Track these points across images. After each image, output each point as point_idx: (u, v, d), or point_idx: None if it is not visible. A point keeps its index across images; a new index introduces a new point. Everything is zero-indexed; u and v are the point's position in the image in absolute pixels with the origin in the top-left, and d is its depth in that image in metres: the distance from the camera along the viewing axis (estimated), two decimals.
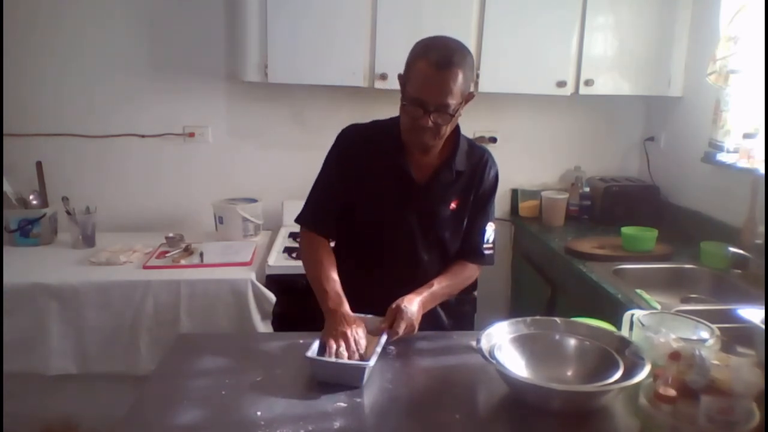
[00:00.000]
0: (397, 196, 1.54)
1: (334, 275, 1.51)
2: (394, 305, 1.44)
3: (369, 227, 1.58)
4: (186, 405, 1.19)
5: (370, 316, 1.47)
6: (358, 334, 1.37)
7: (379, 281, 1.54)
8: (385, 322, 1.43)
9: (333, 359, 1.30)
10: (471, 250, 1.63)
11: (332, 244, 1.66)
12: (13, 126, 2.64)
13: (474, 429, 1.19)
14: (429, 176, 1.55)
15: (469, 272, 1.64)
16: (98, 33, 2.66)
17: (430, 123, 1.41)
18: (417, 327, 1.45)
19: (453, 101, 1.39)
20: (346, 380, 1.27)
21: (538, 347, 1.33)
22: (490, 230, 1.65)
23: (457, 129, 1.54)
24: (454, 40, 1.44)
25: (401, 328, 1.40)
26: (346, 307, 1.44)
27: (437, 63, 1.36)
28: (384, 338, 1.38)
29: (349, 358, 1.32)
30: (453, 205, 1.57)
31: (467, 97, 1.44)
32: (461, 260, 1.63)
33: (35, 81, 2.66)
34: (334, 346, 1.33)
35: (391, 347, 1.42)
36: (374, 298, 1.45)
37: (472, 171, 1.58)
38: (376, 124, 1.60)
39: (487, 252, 1.65)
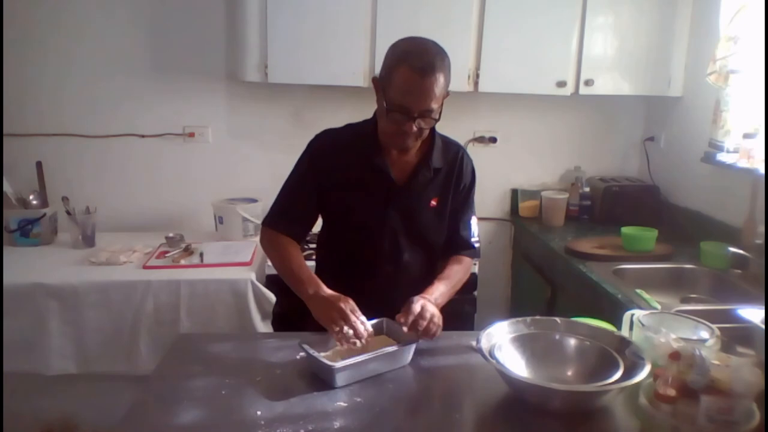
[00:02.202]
0: (378, 197, 1.54)
1: (304, 263, 1.51)
2: (418, 308, 1.39)
3: (352, 230, 1.58)
4: (186, 405, 1.19)
5: (385, 319, 1.45)
6: (349, 303, 1.37)
7: (365, 283, 1.54)
8: (410, 328, 1.38)
9: (312, 352, 1.29)
10: (462, 243, 1.66)
11: (314, 250, 1.66)
12: (13, 126, 2.64)
13: (474, 429, 1.19)
14: (408, 175, 1.55)
15: (468, 265, 1.67)
16: (98, 33, 2.66)
17: (414, 128, 1.42)
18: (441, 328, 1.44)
19: (436, 105, 1.41)
20: (324, 378, 1.27)
21: (538, 347, 1.33)
22: (474, 223, 1.69)
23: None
24: (431, 41, 1.44)
25: (434, 333, 1.39)
26: (325, 288, 1.43)
27: (421, 70, 1.36)
28: (395, 348, 1.35)
29: (357, 334, 1.32)
30: (433, 203, 1.58)
31: (445, 97, 1.45)
32: (455, 255, 1.64)
33: (35, 81, 2.66)
34: (336, 329, 1.32)
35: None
36: (361, 299, 1.43)
37: (449, 167, 1.60)
38: (349, 128, 1.60)
39: (476, 244, 1.69)
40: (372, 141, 1.53)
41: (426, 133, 1.48)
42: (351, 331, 1.32)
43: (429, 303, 1.43)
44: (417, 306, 1.39)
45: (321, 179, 1.55)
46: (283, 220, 1.57)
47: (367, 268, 1.58)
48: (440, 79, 1.38)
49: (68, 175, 2.72)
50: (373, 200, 1.54)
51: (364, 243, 1.57)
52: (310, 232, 1.70)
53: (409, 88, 1.37)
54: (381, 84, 1.45)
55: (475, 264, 2.40)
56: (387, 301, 1.45)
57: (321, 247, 1.70)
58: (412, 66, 1.36)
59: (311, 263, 1.67)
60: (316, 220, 1.62)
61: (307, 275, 1.47)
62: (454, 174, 1.60)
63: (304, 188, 1.57)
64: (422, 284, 1.54)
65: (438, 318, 1.42)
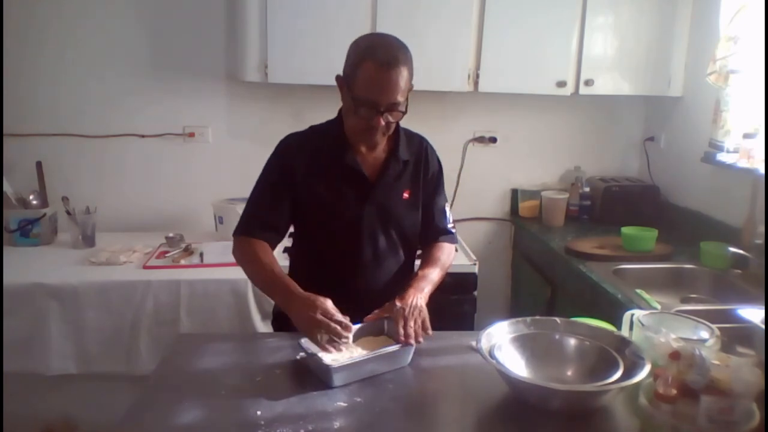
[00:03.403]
0: (353, 196, 1.54)
1: (279, 269, 1.46)
2: (401, 314, 1.38)
3: (330, 232, 1.57)
4: (186, 405, 1.19)
5: (386, 319, 1.43)
6: (326, 306, 1.32)
7: (346, 282, 1.53)
8: (396, 326, 1.37)
9: (311, 352, 1.29)
10: (440, 230, 1.66)
11: (288, 257, 1.64)
12: (13, 126, 2.64)
13: (474, 429, 1.19)
14: (378, 171, 1.56)
15: (448, 250, 1.65)
16: (99, 33, 2.66)
17: (383, 122, 1.42)
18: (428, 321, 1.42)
19: (402, 98, 1.42)
20: (322, 377, 1.27)
21: (538, 347, 1.33)
22: (448, 210, 1.69)
23: None
24: (392, 36, 1.46)
25: (416, 337, 1.36)
26: (298, 290, 1.38)
27: (385, 63, 1.37)
28: (394, 348, 1.35)
29: (338, 335, 1.29)
30: (406, 195, 1.59)
31: (409, 90, 1.46)
32: (434, 243, 1.64)
33: (35, 81, 2.66)
34: (318, 338, 1.28)
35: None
36: (343, 299, 1.40)
37: (416, 158, 1.61)
38: (314, 130, 1.60)
39: (453, 230, 1.69)
40: (340, 140, 1.53)
41: (393, 126, 1.49)
42: (326, 336, 1.28)
43: (412, 299, 1.41)
44: (399, 312, 1.38)
45: (293, 183, 1.53)
46: (256, 225, 1.53)
47: (348, 267, 1.57)
48: (404, 71, 1.39)
49: (68, 175, 2.72)
50: (348, 199, 1.54)
51: (343, 243, 1.56)
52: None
53: (375, 82, 1.38)
54: (345, 82, 1.45)
55: (474, 264, 2.41)
56: (368, 298, 1.45)
57: (295, 252, 1.68)
58: (377, 60, 1.37)
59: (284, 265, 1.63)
60: (289, 226, 1.59)
61: (282, 282, 1.42)
62: (421, 164, 1.61)
63: (276, 193, 1.54)
64: (401, 278, 1.54)
65: (421, 312, 1.40)
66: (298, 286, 1.40)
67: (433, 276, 1.54)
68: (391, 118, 1.44)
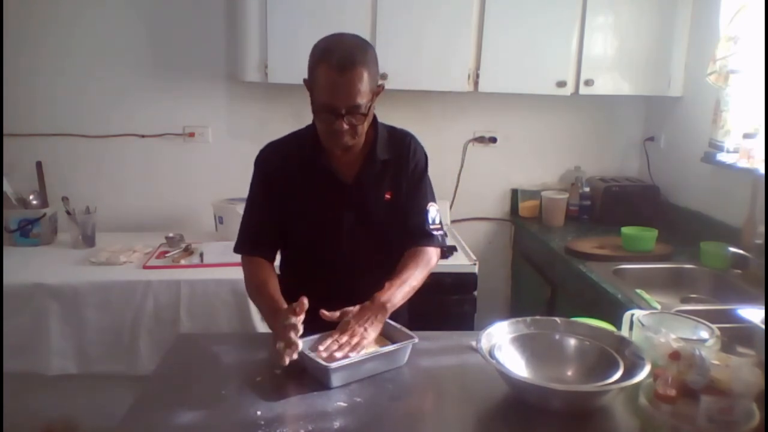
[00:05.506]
0: (329, 199, 1.52)
1: (271, 286, 1.47)
2: (348, 318, 1.36)
3: (310, 238, 1.57)
4: (186, 405, 1.19)
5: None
6: (287, 321, 1.28)
7: (328, 284, 1.51)
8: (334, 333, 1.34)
9: (308, 353, 1.27)
10: (415, 231, 1.56)
11: (277, 262, 1.63)
12: (13, 126, 2.64)
13: (474, 429, 1.19)
14: (356, 173, 1.53)
15: (423, 256, 1.54)
16: (98, 33, 2.66)
17: (345, 126, 1.39)
18: (364, 336, 1.35)
19: (363, 100, 1.38)
20: (320, 378, 1.27)
21: (538, 347, 1.33)
22: (433, 210, 1.59)
23: (374, 120, 1.52)
24: (353, 36, 1.42)
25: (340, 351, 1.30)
26: (281, 309, 1.37)
27: (340, 66, 1.33)
28: (390, 348, 1.35)
29: (288, 343, 1.25)
30: (387, 196, 1.55)
31: (377, 92, 1.43)
32: (412, 247, 1.55)
33: (36, 81, 2.66)
34: (281, 346, 1.25)
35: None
36: (326, 300, 1.37)
37: (397, 157, 1.56)
38: (293, 136, 1.59)
39: (435, 232, 1.58)
40: (315, 146, 1.51)
41: (362, 129, 1.44)
42: (281, 345, 1.25)
43: (367, 323, 1.35)
44: (345, 325, 1.34)
45: (275, 192, 1.54)
46: (250, 242, 1.56)
47: (331, 270, 1.56)
48: (363, 73, 1.35)
49: (68, 175, 2.72)
50: (325, 203, 1.53)
51: (325, 246, 1.56)
52: None
53: (331, 85, 1.35)
54: (308, 85, 1.43)
55: (474, 264, 2.41)
56: (352, 300, 1.42)
57: (283, 255, 1.67)
58: (332, 63, 1.34)
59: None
60: (283, 232, 1.60)
61: (270, 304, 1.42)
62: (403, 162, 1.56)
63: (262, 206, 1.56)
64: (386, 279, 1.47)
65: (360, 339, 1.32)
66: (282, 304, 1.39)
67: (403, 292, 1.46)
68: (354, 121, 1.40)
